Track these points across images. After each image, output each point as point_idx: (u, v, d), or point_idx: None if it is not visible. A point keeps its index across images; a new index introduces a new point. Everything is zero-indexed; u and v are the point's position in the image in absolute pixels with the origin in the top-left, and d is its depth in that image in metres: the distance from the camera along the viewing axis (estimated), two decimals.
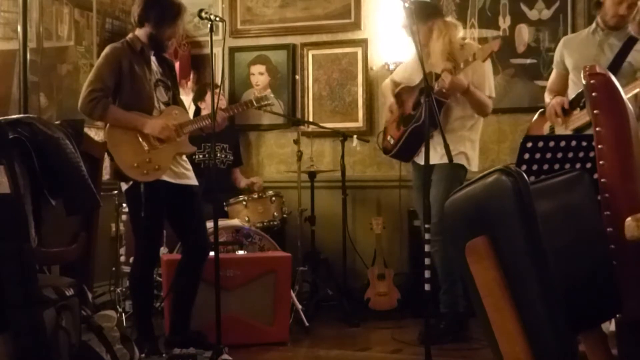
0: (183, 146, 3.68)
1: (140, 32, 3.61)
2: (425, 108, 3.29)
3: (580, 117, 3.45)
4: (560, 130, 3.54)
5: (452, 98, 3.94)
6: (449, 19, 4.22)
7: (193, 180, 3.71)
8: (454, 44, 3.93)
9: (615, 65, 3.43)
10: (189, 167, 3.75)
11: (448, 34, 3.93)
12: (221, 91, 4.75)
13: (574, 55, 3.67)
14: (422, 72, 3.28)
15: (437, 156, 3.80)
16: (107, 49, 3.60)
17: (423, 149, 3.91)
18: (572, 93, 3.63)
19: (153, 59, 3.67)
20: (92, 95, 3.48)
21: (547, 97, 3.80)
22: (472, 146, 4.05)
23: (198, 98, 5.05)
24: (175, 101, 3.75)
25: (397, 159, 4.46)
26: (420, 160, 4.04)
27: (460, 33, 4.08)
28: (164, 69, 3.72)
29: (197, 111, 5.00)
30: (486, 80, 3.99)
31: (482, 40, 4.93)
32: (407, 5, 3.35)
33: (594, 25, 3.65)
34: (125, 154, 3.52)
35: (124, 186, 3.65)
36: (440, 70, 3.84)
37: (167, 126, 3.57)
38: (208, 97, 4.46)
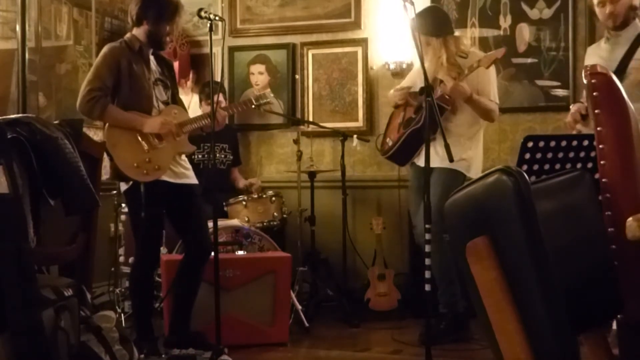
0: (183, 146, 3.66)
1: (139, 31, 3.59)
2: (426, 108, 3.27)
3: None
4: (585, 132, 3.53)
5: (455, 105, 3.93)
6: (456, 33, 4.20)
7: (193, 180, 3.70)
8: (450, 58, 3.94)
9: (623, 64, 3.42)
10: (189, 166, 3.74)
11: (442, 54, 3.94)
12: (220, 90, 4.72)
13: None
14: (423, 73, 3.25)
15: (437, 159, 3.78)
16: (105, 48, 3.58)
17: (423, 151, 3.91)
18: None
19: (152, 58, 3.66)
20: (90, 95, 3.47)
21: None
22: (474, 153, 4.03)
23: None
24: (175, 100, 3.74)
25: (392, 161, 4.39)
26: (420, 162, 4.02)
27: (463, 45, 4.06)
28: (162, 68, 3.71)
29: None
30: (491, 87, 3.99)
31: (483, 40, 4.93)
32: (408, 6, 3.30)
33: (606, 32, 3.66)
34: (125, 153, 3.50)
35: (123, 186, 3.65)
36: (442, 76, 3.84)
37: (166, 121, 3.56)
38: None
